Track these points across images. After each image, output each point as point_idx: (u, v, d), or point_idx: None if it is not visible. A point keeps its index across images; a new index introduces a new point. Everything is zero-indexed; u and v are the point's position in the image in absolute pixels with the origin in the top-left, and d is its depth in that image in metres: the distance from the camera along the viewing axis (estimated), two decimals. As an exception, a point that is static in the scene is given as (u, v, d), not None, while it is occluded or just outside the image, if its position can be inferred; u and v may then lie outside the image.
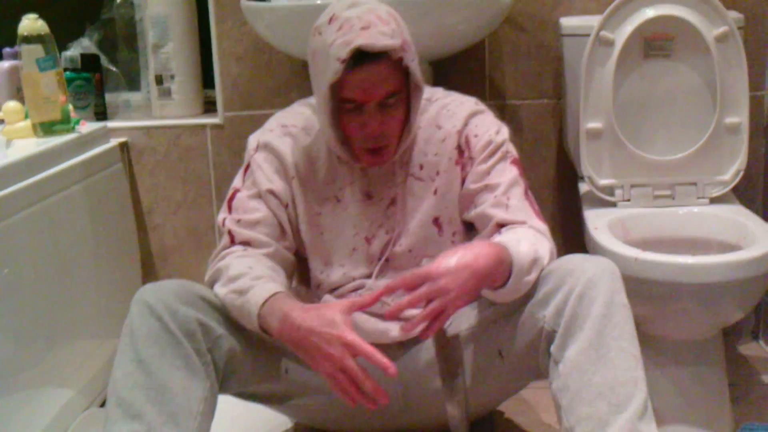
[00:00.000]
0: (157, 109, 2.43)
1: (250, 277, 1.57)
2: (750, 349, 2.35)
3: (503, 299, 1.58)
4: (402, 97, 1.61)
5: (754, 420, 1.86)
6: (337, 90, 1.57)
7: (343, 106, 1.59)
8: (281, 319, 1.51)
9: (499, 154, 1.69)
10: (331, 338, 1.46)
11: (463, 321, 1.70)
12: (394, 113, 1.60)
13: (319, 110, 1.63)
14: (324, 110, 1.60)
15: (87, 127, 2.19)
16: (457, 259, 1.47)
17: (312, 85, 1.63)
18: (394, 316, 1.51)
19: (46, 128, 2.06)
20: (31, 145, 1.97)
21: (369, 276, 1.72)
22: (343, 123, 1.61)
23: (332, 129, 1.62)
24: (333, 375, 1.47)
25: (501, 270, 1.51)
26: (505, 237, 1.59)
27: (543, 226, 1.67)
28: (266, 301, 1.53)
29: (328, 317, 1.48)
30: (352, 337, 1.45)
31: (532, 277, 1.55)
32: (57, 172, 1.94)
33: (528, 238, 1.58)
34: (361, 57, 1.52)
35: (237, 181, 1.74)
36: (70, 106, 2.14)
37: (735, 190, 2.10)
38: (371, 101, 1.57)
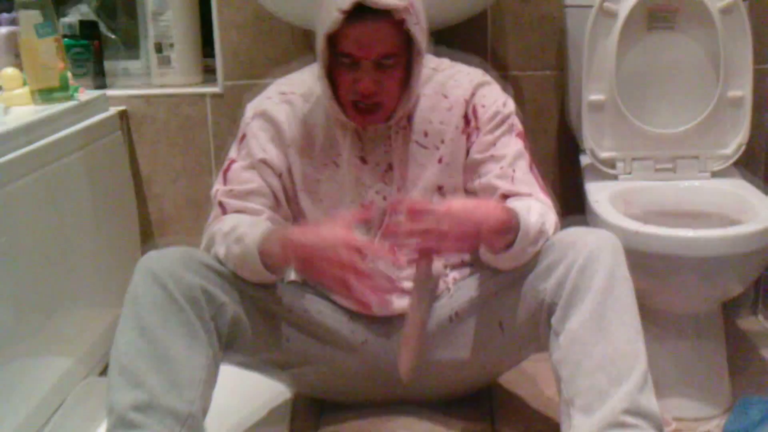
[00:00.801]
0: (157, 78, 2.41)
1: (245, 226, 1.57)
2: (749, 323, 2.36)
3: (503, 265, 1.58)
4: (401, 61, 1.59)
5: (752, 393, 1.86)
6: (334, 42, 1.55)
7: (339, 60, 1.58)
8: (282, 244, 1.52)
9: (505, 126, 1.69)
10: (336, 243, 1.46)
11: (464, 292, 1.70)
12: (390, 75, 1.59)
13: (318, 65, 1.62)
14: (320, 61, 1.59)
15: (86, 94, 2.18)
16: (469, 210, 1.48)
17: (316, 37, 1.62)
18: (388, 235, 1.52)
19: (45, 95, 2.04)
20: (29, 113, 1.95)
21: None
22: (338, 78, 1.60)
23: (326, 81, 1.60)
24: (344, 280, 1.47)
25: (506, 235, 1.52)
26: (516, 204, 1.58)
27: (547, 200, 1.66)
28: (263, 236, 1.53)
29: (329, 229, 1.49)
30: (357, 240, 1.46)
31: (536, 247, 1.55)
32: (56, 140, 1.93)
33: (537, 209, 1.58)
34: (362, 11, 1.51)
35: (232, 152, 1.73)
36: (69, 74, 2.12)
37: (737, 163, 2.10)
38: (367, 58, 1.55)
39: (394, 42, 1.56)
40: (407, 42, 1.58)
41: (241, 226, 1.58)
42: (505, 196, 1.65)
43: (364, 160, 1.70)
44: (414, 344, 1.57)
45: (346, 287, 1.48)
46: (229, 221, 1.62)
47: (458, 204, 1.49)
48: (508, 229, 1.51)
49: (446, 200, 1.50)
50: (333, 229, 1.49)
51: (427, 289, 1.58)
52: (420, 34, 1.57)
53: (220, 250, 1.59)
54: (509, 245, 1.53)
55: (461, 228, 1.47)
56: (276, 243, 1.53)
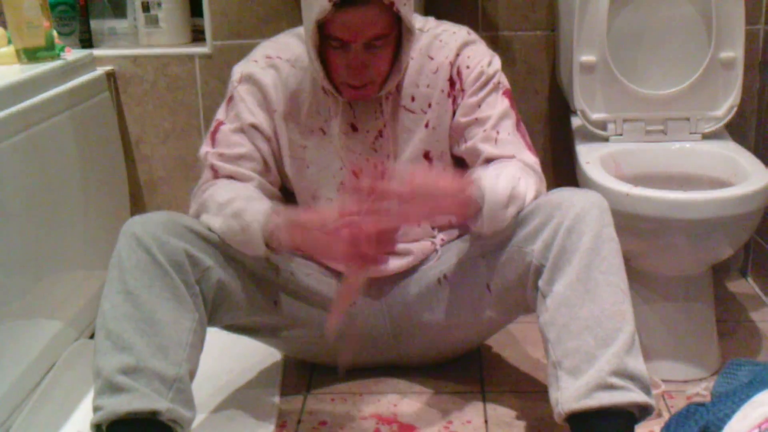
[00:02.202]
0: (144, 38, 2.38)
1: (241, 200, 1.56)
2: (738, 286, 2.36)
3: (482, 231, 1.57)
4: (390, 39, 1.58)
5: (740, 356, 1.87)
6: (323, 25, 1.54)
7: (329, 42, 1.56)
8: (290, 228, 1.52)
9: (490, 86, 1.67)
10: (335, 221, 1.48)
11: (452, 255, 1.70)
12: (381, 54, 1.58)
13: (306, 44, 1.60)
14: (310, 45, 1.58)
15: (72, 54, 2.15)
16: (427, 185, 1.50)
17: (302, 16, 1.60)
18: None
19: (30, 54, 2.01)
20: (14, 72, 1.93)
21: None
22: (329, 58, 1.59)
23: (318, 63, 1.59)
24: (351, 253, 1.48)
25: (468, 201, 1.52)
26: (484, 170, 1.58)
27: (532, 159, 1.66)
28: (267, 217, 1.53)
29: (325, 210, 1.55)
30: (328, 212, 1.50)
31: (510, 211, 1.55)
32: (42, 101, 1.90)
33: (510, 173, 1.57)
34: None
35: (220, 113, 1.72)
36: (55, 32, 2.09)
37: (728, 126, 2.09)
38: (357, 42, 1.54)
39: (383, 24, 1.54)
40: (397, 19, 1.56)
41: (238, 200, 1.57)
42: (489, 161, 1.65)
43: (354, 128, 1.68)
44: (343, 308, 1.61)
45: (359, 255, 1.49)
46: (223, 191, 1.61)
47: (418, 180, 1.50)
48: (468, 196, 1.52)
49: (409, 175, 1.50)
50: (333, 210, 1.52)
51: (362, 277, 1.60)
52: (409, 13, 1.56)
53: (215, 221, 1.58)
54: (476, 215, 1.53)
55: (423, 208, 1.50)
56: (281, 229, 1.53)
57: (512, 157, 1.64)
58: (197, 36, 2.42)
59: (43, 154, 1.89)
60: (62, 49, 2.11)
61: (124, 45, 2.43)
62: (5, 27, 2.04)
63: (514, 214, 1.56)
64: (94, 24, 2.47)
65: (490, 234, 1.59)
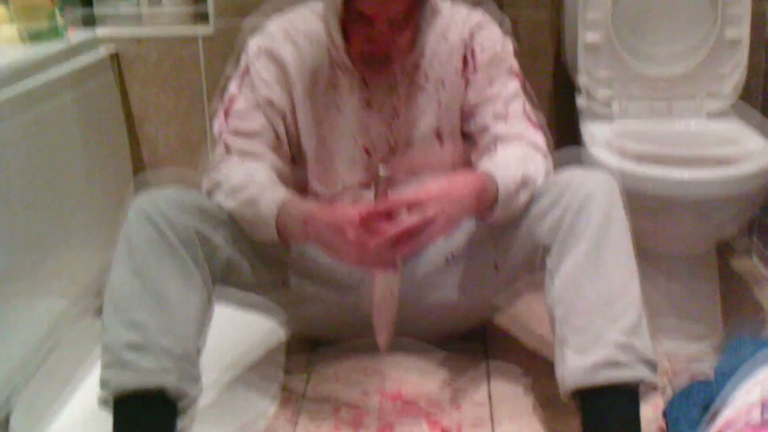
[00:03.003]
0: (147, 18, 2.37)
1: (255, 186, 1.56)
2: (743, 264, 2.36)
3: (497, 222, 1.58)
4: (413, 18, 1.58)
5: (744, 334, 1.86)
6: (350, 1, 1.54)
7: (353, 16, 1.56)
8: (303, 223, 1.51)
9: (502, 67, 1.69)
10: (344, 225, 1.45)
11: (460, 234, 1.70)
12: (403, 32, 1.58)
13: (328, 17, 1.60)
14: (333, 19, 1.57)
15: (75, 35, 2.15)
16: (446, 191, 1.47)
17: None
18: (380, 244, 1.47)
19: (33, 34, 2.01)
20: (17, 52, 1.93)
21: (366, 188, 1.70)
22: (350, 33, 1.58)
23: (340, 37, 1.59)
24: (361, 258, 1.47)
25: (485, 199, 1.51)
26: (493, 160, 1.58)
27: (540, 139, 1.66)
28: (282, 208, 1.52)
29: (339, 209, 1.51)
30: (356, 213, 1.45)
31: (523, 197, 1.55)
32: (45, 81, 1.90)
33: (519, 157, 1.57)
34: None
35: (233, 87, 1.70)
36: (57, 12, 2.09)
37: (734, 104, 2.08)
38: (382, 18, 1.53)
39: (409, 1, 1.54)
40: None
41: (253, 186, 1.56)
42: (497, 138, 1.65)
43: (369, 105, 1.68)
44: (387, 320, 1.59)
45: (366, 262, 1.48)
46: (238, 174, 1.60)
47: (434, 186, 1.48)
48: (484, 191, 1.51)
49: (420, 186, 1.49)
50: (345, 209, 1.50)
51: (395, 283, 1.58)
52: None
53: (227, 203, 1.58)
54: (492, 207, 1.53)
55: (446, 211, 1.46)
56: (295, 221, 1.52)
57: (521, 136, 1.64)
58: (201, 17, 2.41)
59: (47, 135, 1.89)
60: (65, 29, 2.11)
61: (128, 26, 2.42)
62: (7, 5, 2.03)
63: (527, 199, 1.56)
64: (97, 4, 2.46)
65: (503, 221, 1.59)
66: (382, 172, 1.49)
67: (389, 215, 1.46)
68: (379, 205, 1.47)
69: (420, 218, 1.44)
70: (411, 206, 1.45)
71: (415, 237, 1.45)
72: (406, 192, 1.49)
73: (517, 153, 1.60)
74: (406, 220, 1.45)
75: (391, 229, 1.44)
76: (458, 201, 1.47)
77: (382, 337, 1.60)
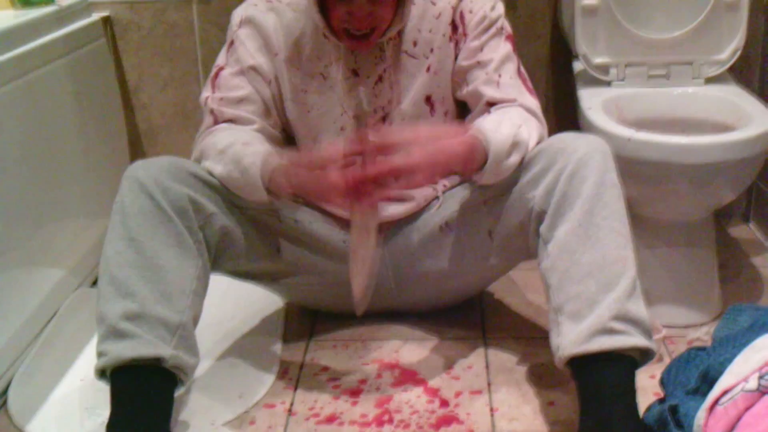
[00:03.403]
0: (140, -19, 2.35)
1: (240, 144, 1.55)
2: (740, 231, 2.36)
3: (486, 182, 1.57)
4: None
5: (742, 301, 1.87)
6: None
7: None
8: (286, 174, 1.50)
9: (493, 30, 1.66)
10: (324, 165, 1.44)
11: (454, 202, 1.70)
12: (383, 4, 1.55)
13: None
14: None
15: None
16: (433, 138, 1.45)
17: None
18: (358, 182, 1.46)
19: (23, -1, 1.99)
20: (7, 17, 1.90)
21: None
22: (330, 6, 1.56)
23: (317, 14, 1.58)
24: (348, 195, 1.44)
25: (475, 156, 1.50)
26: (486, 120, 1.57)
27: (534, 103, 1.65)
28: (264, 161, 1.51)
29: (317, 153, 1.50)
30: (336, 150, 1.44)
31: (513, 159, 1.54)
32: (37, 47, 1.88)
33: (512, 120, 1.56)
34: None
35: (221, 58, 1.71)
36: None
37: (732, 69, 2.08)
38: None
39: None
40: None
41: (236, 145, 1.55)
42: (491, 104, 1.64)
43: (356, 73, 1.67)
44: (362, 280, 1.56)
45: (357, 197, 1.46)
46: (222, 137, 1.59)
47: (424, 132, 1.46)
48: (475, 152, 1.49)
49: (412, 128, 1.47)
50: (322, 151, 1.48)
51: (373, 222, 1.56)
52: None
53: (216, 168, 1.57)
54: (481, 167, 1.52)
55: (431, 159, 1.44)
56: (279, 173, 1.51)
57: (513, 100, 1.63)
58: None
59: (40, 102, 1.88)
60: (57, -6, 2.09)
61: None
62: (-2, -30, 2.01)
63: (518, 162, 1.55)
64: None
65: (493, 183, 1.58)
66: (366, 106, 1.47)
67: (372, 153, 1.43)
68: (362, 144, 1.44)
69: (402, 161, 1.42)
70: (398, 147, 1.43)
71: (397, 178, 1.43)
72: (396, 131, 1.46)
73: (511, 115, 1.59)
74: (389, 161, 1.42)
75: (374, 167, 1.42)
76: (445, 152, 1.45)
77: (357, 286, 1.56)
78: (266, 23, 1.67)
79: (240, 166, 1.53)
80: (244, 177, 1.53)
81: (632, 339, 1.41)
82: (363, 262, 1.56)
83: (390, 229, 1.73)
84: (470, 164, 1.51)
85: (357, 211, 1.53)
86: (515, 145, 1.53)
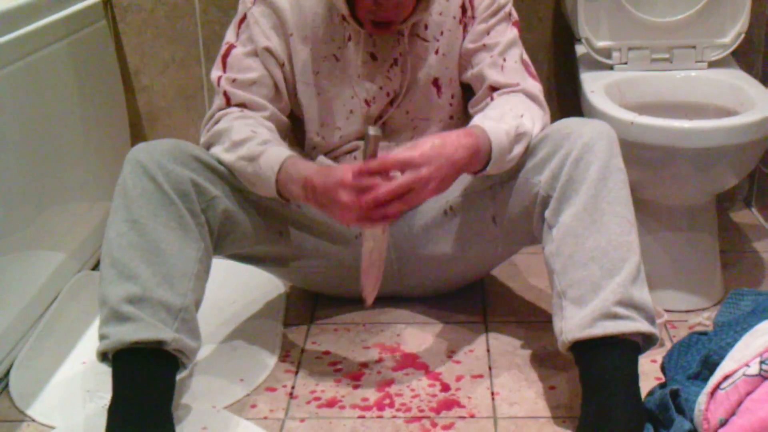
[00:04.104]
0: (140, -37, 2.34)
1: (257, 142, 1.54)
2: (742, 216, 2.36)
3: (490, 173, 1.56)
4: None
5: (743, 286, 1.87)
6: None
7: None
8: (303, 185, 1.49)
9: (501, 15, 1.67)
10: (336, 187, 1.44)
11: (458, 186, 1.69)
12: None
13: None
14: None
15: (66, -20, 2.11)
16: (438, 147, 1.44)
17: None
18: (372, 204, 1.45)
19: (24, -18, 1.97)
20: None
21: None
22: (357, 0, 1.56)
23: (344, 5, 1.57)
24: (357, 219, 1.45)
25: (478, 157, 1.49)
26: (487, 114, 1.56)
27: (536, 87, 1.65)
28: (282, 167, 1.50)
29: (332, 170, 1.47)
30: (348, 174, 1.43)
31: (517, 151, 1.54)
32: (36, 29, 1.86)
33: (513, 110, 1.56)
34: None
35: (230, 35, 1.68)
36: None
37: (735, 53, 2.07)
38: None
39: None
40: None
41: (253, 142, 1.54)
42: (493, 88, 1.64)
43: (374, 57, 1.66)
44: (373, 279, 1.57)
45: (366, 222, 1.47)
46: (239, 128, 1.58)
47: (427, 145, 1.45)
48: (477, 151, 1.48)
49: (413, 144, 1.46)
50: (337, 170, 1.46)
51: (383, 229, 1.55)
52: None
53: (227, 157, 1.56)
54: (486, 164, 1.51)
55: (440, 171, 1.44)
56: (295, 182, 1.49)
57: (516, 85, 1.63)
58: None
59: (40, 85, 1.87)
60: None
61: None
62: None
63: (521, 152, 1.55)
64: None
65: (496, 173, 1.58)
66: (372, 131, 1.47)
67: (381, 174, 1.43)
68: (369, 164, 1.44)
69: (412, 178, 1.42)
70: (404, 166, 1.43)
71: (406, 196, 1.43)
72: (399, 151, 1.46)
73: (513, 104, 1.58)
74: (398, 179, 1.42)
75: (382, 188, 1.41)
76: (451, 160, 1.45)
77: (368, 293, 1.58)
78: (281, 2, 1.65)
79: (255, 167, 1.52)
80: (257, 175, 1.52)
81: (635, 324, 1.41)
82: (374, 264, 1.56)
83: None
84: (475, 164, 1.51)
85: (369, 231, 1.54)
86: (518, 136, 1.53)
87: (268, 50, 1.65)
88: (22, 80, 1.79)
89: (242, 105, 1.64)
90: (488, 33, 1.66)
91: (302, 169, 1.50)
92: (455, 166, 1.46)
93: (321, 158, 1.72)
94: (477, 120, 1.55)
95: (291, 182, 1.50)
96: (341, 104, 1.69)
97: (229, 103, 1.64)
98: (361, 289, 1.59)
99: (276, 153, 1.52)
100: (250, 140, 1.55)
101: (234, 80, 1.64)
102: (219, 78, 1.66)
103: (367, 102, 1.68)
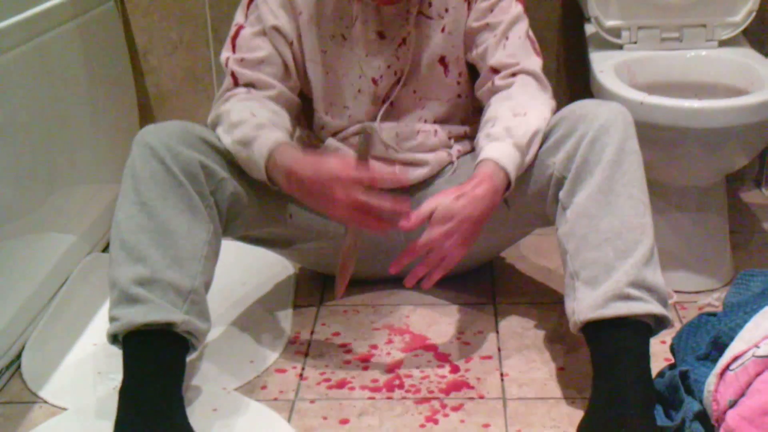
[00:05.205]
0: (148, -57, 2.33)
1: (252, 126, 1.54)
2: (752, 196, 2.35)
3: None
4: None
5: (753, 266, 1.86)
6: None
7: None
8: (287, 175, 1.49)
9: (505, -9, 1.65)
10: (330, 181, 1.44)
11: (467, 168, 1.69)
12: None
13: None
14: None
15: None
16: (453, 211, 1.47)
17: None
18: (399, 270, 1.52)
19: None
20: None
21: (373, 119, 1.69)
22: None
23: None
24: (349, 216, 1.46)
25: (499, 198, 1.52)
26: (492, 136, 1.55)
27: (537, 64, 1.65)
28: (270, 154, 1.50)
29: (324, 164, 1.47)
30: (347, 172, 1.43)
31: (532, 152, 1.55)
32: (45, 10, 1.86)
33: (518, 114, 1.56)
34: None
35: (239, 16, 1.68)
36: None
37: (746, 32, 2.05)
38: None
39: None
40: None
41: (248, 125, 1.54)
42: (495, 70, 1.64)
43: (382, 36, 1.66)
44: (349, 273, 1.58)
45: (352, 221, 1.48)
46: (238, 109, 1.58)
47: (447, 203, 1.47)
48: (496, 192, 1.50)
49: (426, 202, 1.49)
50: (329, 162, 1.47)
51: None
52: None
53: (225, 138, 1.56)
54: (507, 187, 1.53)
55: (459, 229, 1.47)
56: (281, 172, 1.50)
57: (517, 65, 1.63)
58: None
59: (49, 66, 1.87)
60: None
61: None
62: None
63: (536, 149, 1.56)
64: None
65: None
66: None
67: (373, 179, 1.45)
68: (361, 173, 1.44)
69: (429, 242, 1.47)
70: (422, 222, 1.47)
71: (428, 264, 1.50)
72: (425, 206, 1.49)
73: (513, 104, 1.59)
74: (416, 245, 1.48)
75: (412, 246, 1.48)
76: (477, 221, 1.49)
77: (342, 286, 1.58)
78: None
79: (248, 149, 1.52)
80: (250, 160, 1.53)
81: (648, 306, 1.41)
82: (351, 259, 1.56)
83: (404, 194, 1.72)
84: (496, 200, 1.52)
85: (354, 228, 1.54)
86: (529, 142, 1.54)
87: (276, 29, 1.64)
88: (30, 62, 1.78)
89: (250, 84, 1.63)
90: (491, 11, 1.65)
91: (287, 158, 1.50)
92: (478, 223, 1.49)
93: (330, 141, 1.72)
94: (483, 148, 1.55)
95: (276, 170, 1.50)
96: (349, 83, 1.68)
97: (237, 83, 1.64)
98: (336, 283, 1.58)
99: (267, 139, 1.52)
100: (246, 123, 1.54)
101: (242, 60, 1.64)
102: (227, 59, 1.66)
103: (374, 81, 1.68)
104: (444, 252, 1.48)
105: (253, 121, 1.55)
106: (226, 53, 1.67)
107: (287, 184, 1.50)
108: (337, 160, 1.47)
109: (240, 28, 1.67)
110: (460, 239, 1.48)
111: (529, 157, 1.55)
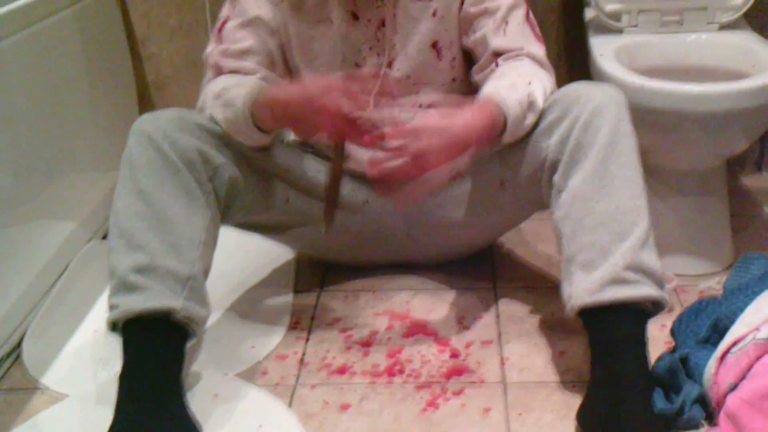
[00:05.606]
0: (146, -72, 2.33)
1: (234, 85, 1.54)
2: (753, 180, 2.35)
3: (503, 144, 1.55)
4: None
5: (754, 250, 1.86)
6: None
7: None
8: (270, 106, 1.49)
9: (502, -27, 1.64)
10: (320, 91, 1.43)
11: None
12: None
13: None
14: None
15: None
16: (443, 126, 1.43)
17: None
18: (376, 170, 1.46)
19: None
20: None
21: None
22: None
23: None
24: (337, 126, 1.44)
25: (494, 130, 1.49)
26: (497, 84, 1.54)
27: (540, 50, 1.64)
28: (252, 98, 1.50)
29: (309, 81, 1.48)
30: (336, 81, 1.43)
31: (529, 121, 1.53)
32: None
33: (522, 79, 1.54)
34: None
35: (225, 10, 1.69)
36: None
37: (747, 15, 2.04)
38: None
39: None
40: None
41: (231, 89, 1.55)
42: (497, 54, 1.63)
43: (355, 16, 1.65)
44: (334, 202, 1.58)
45: (341, 136, 1.47)
46: (220, 83, 1.59)
47: (433, 120, 1.44)
48: (495, 126, 1.48)
49: (423, 116, 1.46)
50: (316, 80, 1.47)
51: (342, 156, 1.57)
52: None
53: (216, 113, 1.56)
54: (499, 134, 1.51)
55: (440, 142, 1.42)
56: (265, 106, 1.50)
57: (520, 49, 1.62)
58: None
59: (47, 53, 1.87)
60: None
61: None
62: None
63: (534, 121, 1.54)
64: None
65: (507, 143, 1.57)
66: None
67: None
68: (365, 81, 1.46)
69: (411, 147, 1.41)
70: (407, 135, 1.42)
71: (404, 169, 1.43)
72: (416, 121, 1.45)
73: (520, 71, 1.57)
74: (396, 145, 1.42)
75: (391, 163, 1.42)
76: (466, 130, 1.45)
77: (329, 213, 1.58)
78: None
79: (234, 108, 1.52)
80: (234, 115, 1.52)
81: (644, 289, 1.41)
82: (335, 185, 1.57)
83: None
84: (491, 135, 1.50)
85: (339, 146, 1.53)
86: (531, 104, 1.52)
87: (258, 19, 1.64)
88: (28, 49, 1.78)
89: (233, 72, 1.63)
90: None
91: (270, 92, 1.50)
92: (463, 145, 1.45)
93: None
94: (488, 90, 1.53)
95: (261, 111, 1.50)
96: (337, 68, 1.67)
97: (220, 73, 1.64)
98: (324, 212, 1.57)
99: (247, 87, 1.52)
100: (228, 88, 1.55)
101: (224, 51, 1.64)
102: (210, 51, 1.66)
103: (357, 65, 1.67)
104: (425, 161, 1.43)
105: (233, 84, 1.55)
106: (211, 46, 1.67)
107: (272, 113, 1.49)
108: (323, 77, 1.47)
109: (225, 21, 1.67)
110: (443, 154, 1.43)
111: (527, 123, 1.53)
